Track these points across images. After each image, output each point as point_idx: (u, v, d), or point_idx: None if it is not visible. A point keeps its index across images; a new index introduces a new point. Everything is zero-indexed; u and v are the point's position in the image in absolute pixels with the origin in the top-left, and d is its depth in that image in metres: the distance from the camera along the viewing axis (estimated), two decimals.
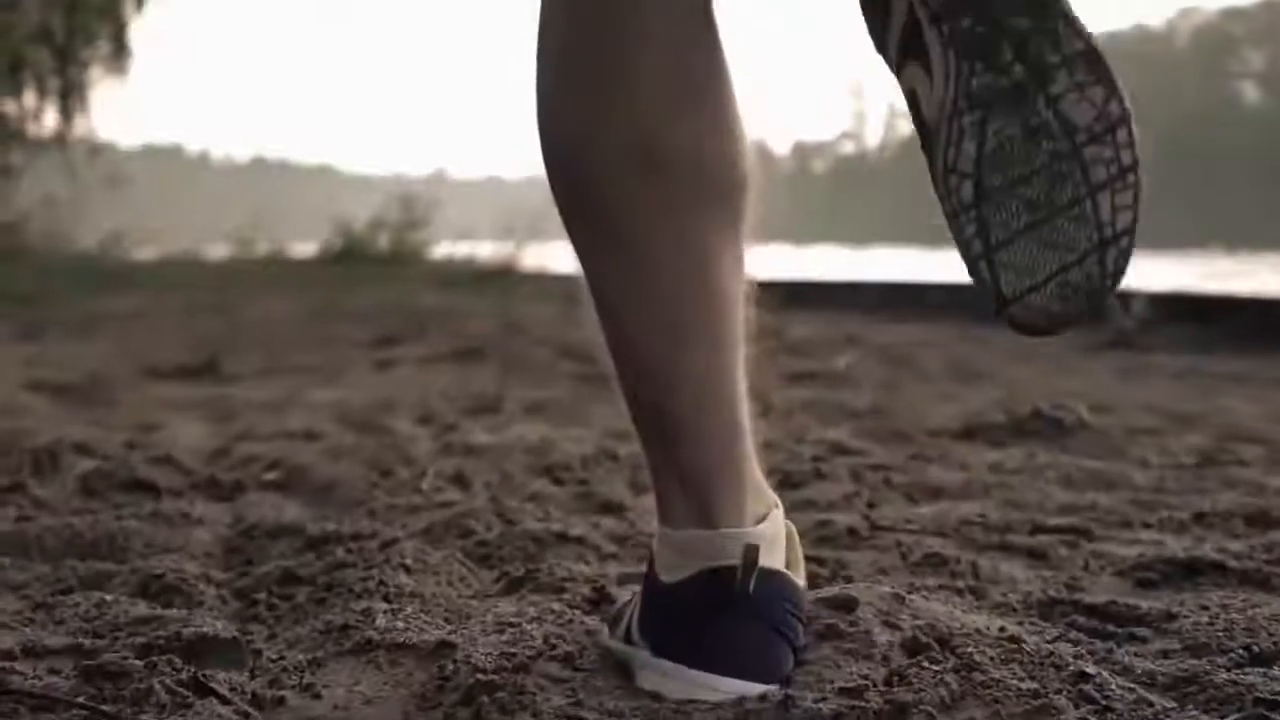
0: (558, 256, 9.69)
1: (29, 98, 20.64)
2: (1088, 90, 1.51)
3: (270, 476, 2.91)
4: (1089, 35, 1.53)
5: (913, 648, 1.62)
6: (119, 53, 21.12)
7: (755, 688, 1.53)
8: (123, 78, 21.84)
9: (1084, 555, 2.26)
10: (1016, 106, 1.51)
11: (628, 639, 1.65)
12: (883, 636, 1.64)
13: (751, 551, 1.56)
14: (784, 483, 2.82)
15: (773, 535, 1.62)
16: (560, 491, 2.73)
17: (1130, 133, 1.52)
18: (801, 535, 1.75)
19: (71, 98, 20.69)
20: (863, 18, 1.61)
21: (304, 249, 19.91)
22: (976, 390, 5.13)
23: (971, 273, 1.54)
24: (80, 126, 21.00)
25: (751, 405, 1.69)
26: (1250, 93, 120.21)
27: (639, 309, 1.60)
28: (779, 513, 1.67)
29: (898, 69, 1.58)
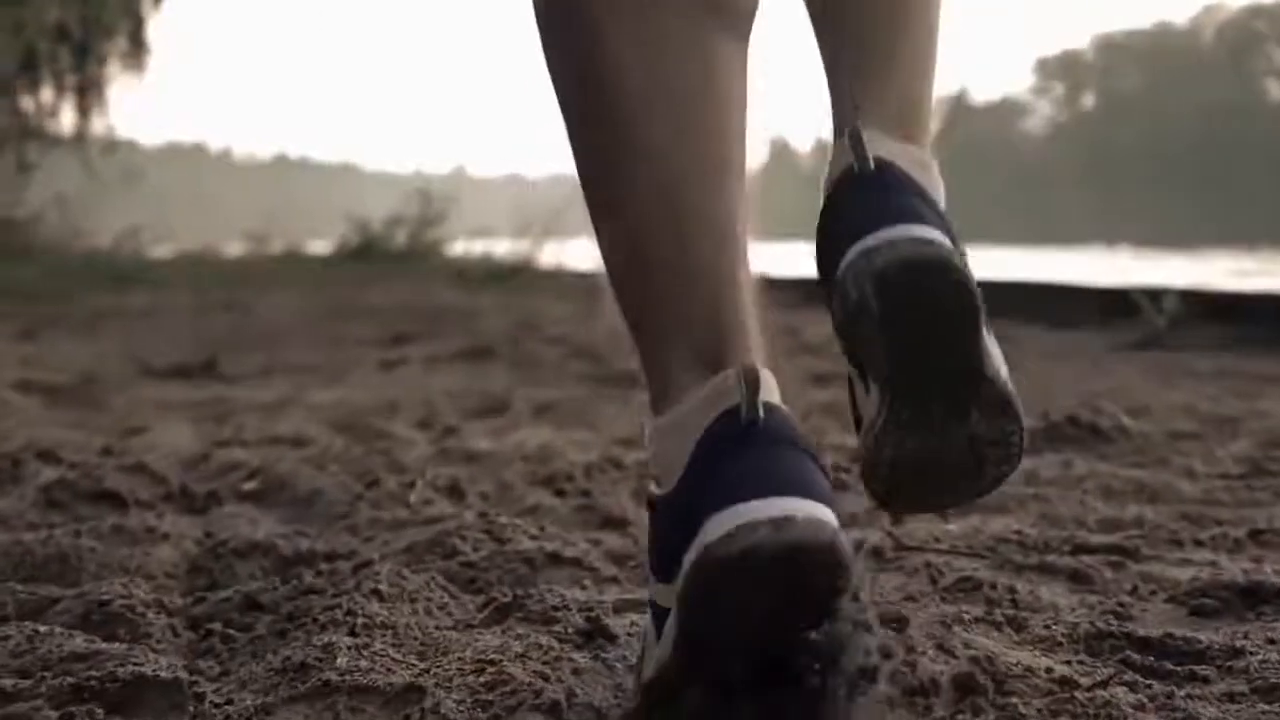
0: (575, 254, 9.56)
1: (46, 94, 20.58)
2: (1002, 423, 1.59)
3: (249, 486, 2.70)
4: (1007, 388, 1.59)
5: (965, 685, 1.43)
6: (137, 49, 21.00)
7: (805, 504, 1.29)
8: (140, 74, 21.75)
9: (1132, 578, 2.04)
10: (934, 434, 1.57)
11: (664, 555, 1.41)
12: (934, 666, 1.45)
13: (751, 373, 1.41)
14: None
15: (772, 382, 1.46)
16: (560, 504, 2.52)
17: (1020, 441, 1.62)
18: None
19: (89, 94, 20.58)
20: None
21: (321, 246, 19.77)
22: None
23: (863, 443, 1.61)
24: (98, 123, 20.93)
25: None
26: (1275, 90, 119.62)
27: (673, 157, 1.49)
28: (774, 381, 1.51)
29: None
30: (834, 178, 1.62)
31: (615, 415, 4.20)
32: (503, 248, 15.91)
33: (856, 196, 1.58)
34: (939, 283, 1.53)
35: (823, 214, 1.63)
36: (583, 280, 11.69)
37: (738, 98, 1.54)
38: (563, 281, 12.23)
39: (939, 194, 1.66)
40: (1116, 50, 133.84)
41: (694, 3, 1.49)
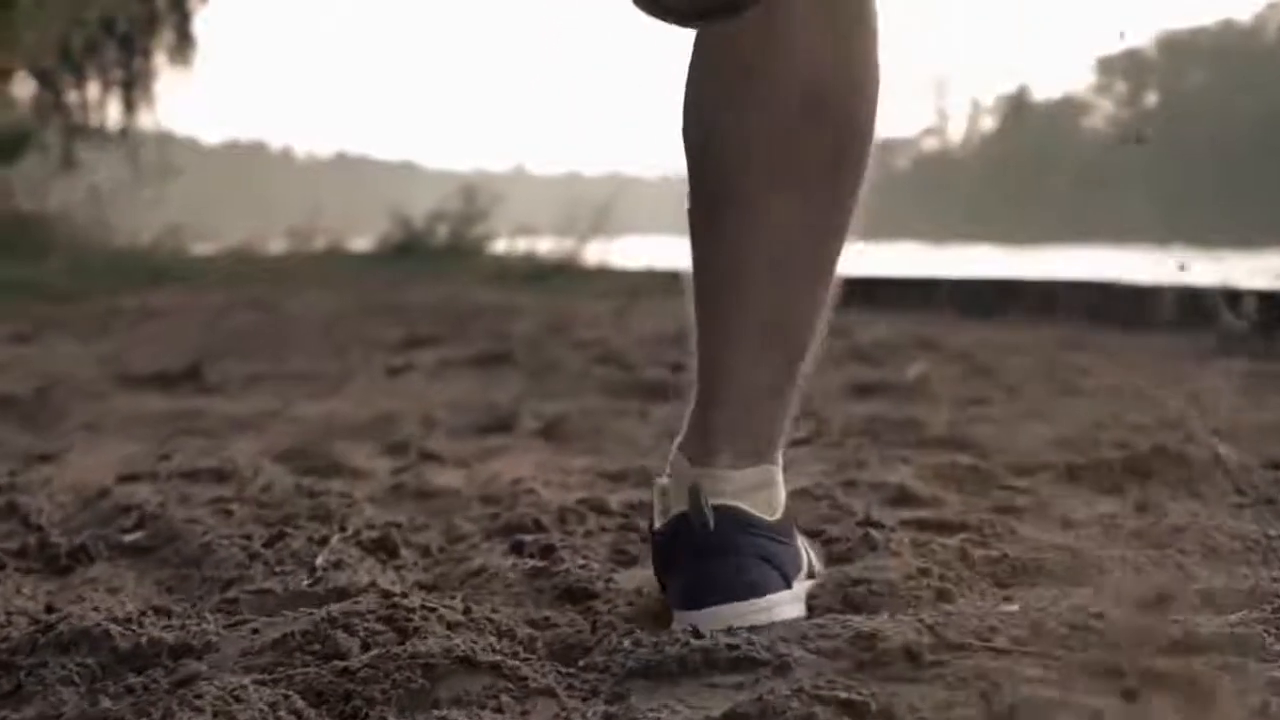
0: (620, 252, 9.05)
1: (93, 89, 20.27)
2: None
3: (131, 538, 2.16)
4: None
5: None
6: (183, 43, 20.69)
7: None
8: (188, 68, 21.48)
9: (1260, 690, 1.49)
10: None
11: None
12: None
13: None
14: (824, 550, 2.08)
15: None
16: (510, 568, 1.95)
17: None
18: (839, 654, 1.56)
19: (135, 89, 20.28)
20: None
21: (365, 243, 19.38)
22: (1073, 407, 4.34)
23: None
24: (145, 118, 20.68)
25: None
26: None
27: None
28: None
29: None
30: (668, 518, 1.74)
31: (627, 433, 3.67)
32: (547, 245, 15.45)
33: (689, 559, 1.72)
34: None
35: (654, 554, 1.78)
36: (624, 279, 11.17)
37: None
38: (605, 280, 11.72)
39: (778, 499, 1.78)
40: (1179, 48, 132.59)
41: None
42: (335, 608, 1.63)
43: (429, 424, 4.07)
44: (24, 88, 18.92)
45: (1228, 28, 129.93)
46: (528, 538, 2.12)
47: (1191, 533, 2.20)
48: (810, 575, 1.83)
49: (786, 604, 1.71)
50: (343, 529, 2.09)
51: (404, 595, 1.66)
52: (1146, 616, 1.72)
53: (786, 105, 1.66)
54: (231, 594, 1.82)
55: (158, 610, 1.76)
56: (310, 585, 1.85)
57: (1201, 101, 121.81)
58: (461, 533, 2.20)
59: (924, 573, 1.83)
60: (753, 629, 1.63)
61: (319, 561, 1.94)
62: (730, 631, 1.61)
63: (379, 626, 1.57)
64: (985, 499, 2.53)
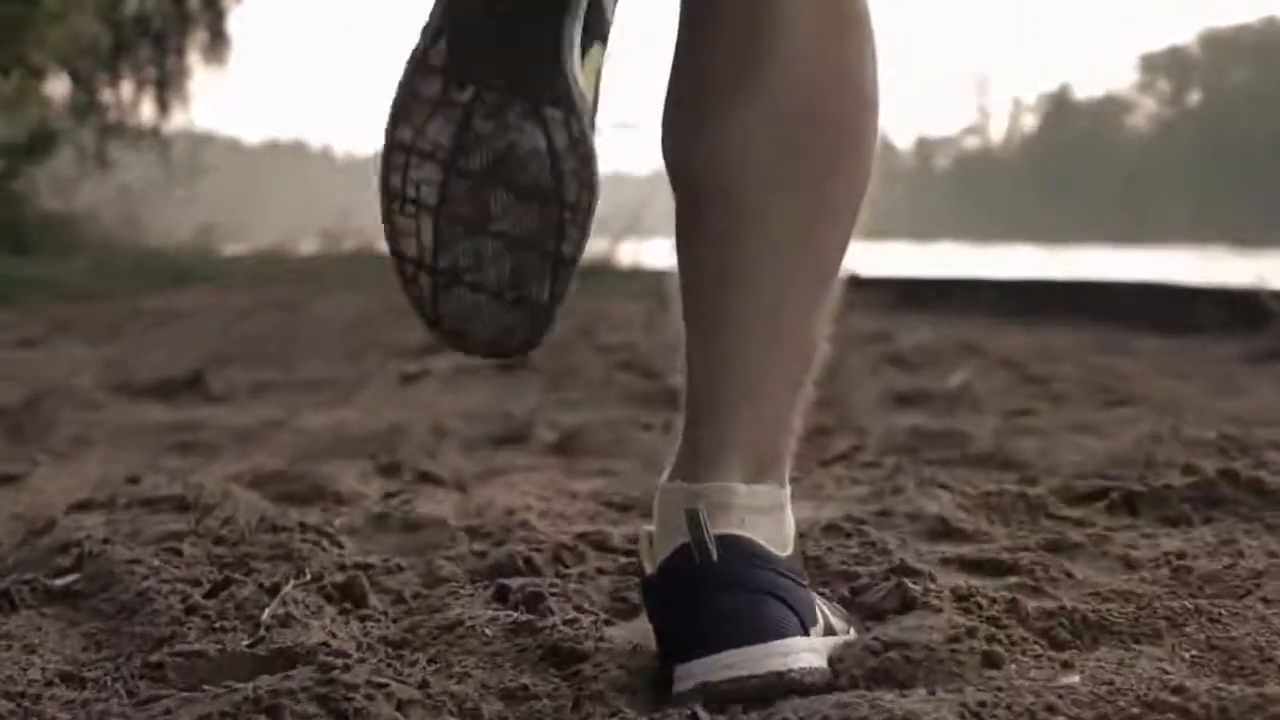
0: (654, 253, 8.81)
1: (126, 88, 20.12)
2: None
3: (64, 582, 1.89)
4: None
5: None
6: (217, 41, 20.56)
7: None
8: (222, 67, 21.37)
9: None
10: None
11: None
12: None
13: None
14: (852, 602, 1.81)
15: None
16: (489, 620, 1.67)
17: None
18: None
19: (168, 88, 20.15)
20: None
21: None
22: (1125, 419, 4.07)
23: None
24: (179, 117, 20.58)
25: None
26: None
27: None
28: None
29: None
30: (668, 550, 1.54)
31: (647, 447, 3.41)
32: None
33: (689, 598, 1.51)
34: None
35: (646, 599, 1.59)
36: (657, 281, 10.89)
37: None
38: (637, 282, 11.43)
39: (788, 532, 1.60)
40: (1223, 45, 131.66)
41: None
42: (265, 684, 1.36)
43: (440, 434, 3.83)
44: (58, 86, 18.77)
45: (1271, 25, 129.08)
46: (515, 582, 1.84)
47: (1273, 577, 1.92)
48: (828, 631, 1.60)
49: (805, 651, 1.48)
50: (300, 574, 1.81)
51: (347, 668, 1.39)
52: (1234, 687, 1.46)
53: (782, 111, 1.59)
54: (158, 657, 1.55)
55: (67, 679, 1.50)
56: (250, 645, 1.58)
57: (1245, 98, 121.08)
58: (442, 574, 1.93)
59: (970, 633, 1.55)
60: (763, 711, 1.38)
61: (265, 616, 1.66)
62: (738, 709, 1.39)
63: (313, 709, 1.30)
64: (1035, 532, 2.25)
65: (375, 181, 1.52)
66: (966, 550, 2.09)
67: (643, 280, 11.55)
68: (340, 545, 2.08)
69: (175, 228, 18.77)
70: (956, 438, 3.56)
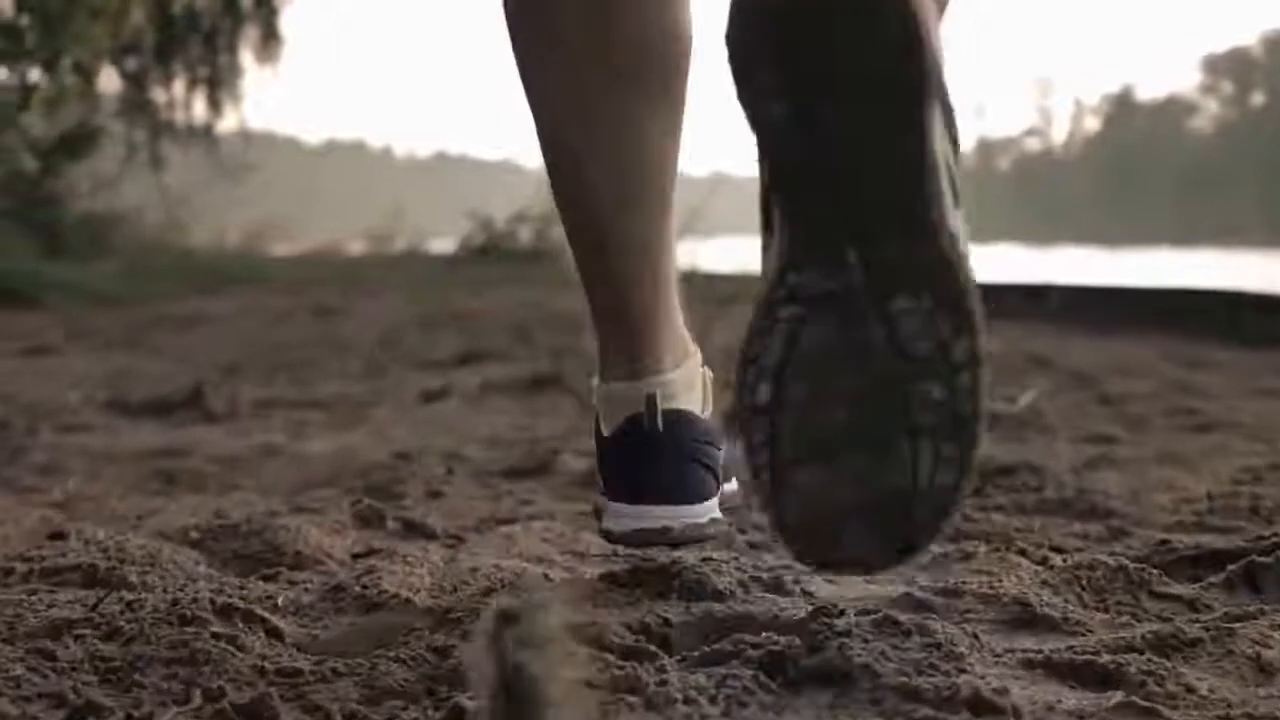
0: (711, 255, 8.39)
1: (178, 86, 19.87)
2: (936, 317, 1.37)
3: None
4: (960, 258, 1.38)
5: None
6: (270, 40, 20.32)
7: (681, 510, 1.80)
8: (274, 66, 21.18)
9: None
10: (843, 315, 1.38)
11: (599, 489, 1.92)
12: None
13: (651, 401, 1.81)
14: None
15: (686, 380, 1.86)
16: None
17: (977, 380, 1.39)
18: None
19: (220, 86, 19.93)
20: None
21: (447, 244, 18.89)
22: (1215, 448, 3.63)
23: (753, 482, 1.45)
24: (232, 117, 20.39)
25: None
26: None
27: (589, 175, 1.81)
28: (695, 360, 1.90)
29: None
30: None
31: None
32: None
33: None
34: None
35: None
36: (714, 284, 10.43)
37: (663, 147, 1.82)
38: (693, 285, 10.99)
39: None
40: None
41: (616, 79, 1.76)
42: None
43: (450, 464, 3.43)
44: (108, 83, 18.53)
45: None
46: (469, 705, 1.42)
47: None
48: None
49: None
50: (186, 699, 1.39)
51: None
52: None
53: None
54: None
55: None
56: None
57: None
58: (387, 684, 1.51)
59: None
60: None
61: None
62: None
63: None
64: (1140, 620, 1.81)
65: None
66: (1055, 647, 1.66)
67: (698, 283, 11.13)
68: (269, 638, 1.66)
69: (225, 229, 18.54)
70: (1029, 473, 3.13)
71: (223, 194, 18.87)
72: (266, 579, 2.00)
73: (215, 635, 1.57)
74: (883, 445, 1.38)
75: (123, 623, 1.62)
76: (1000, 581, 1.90)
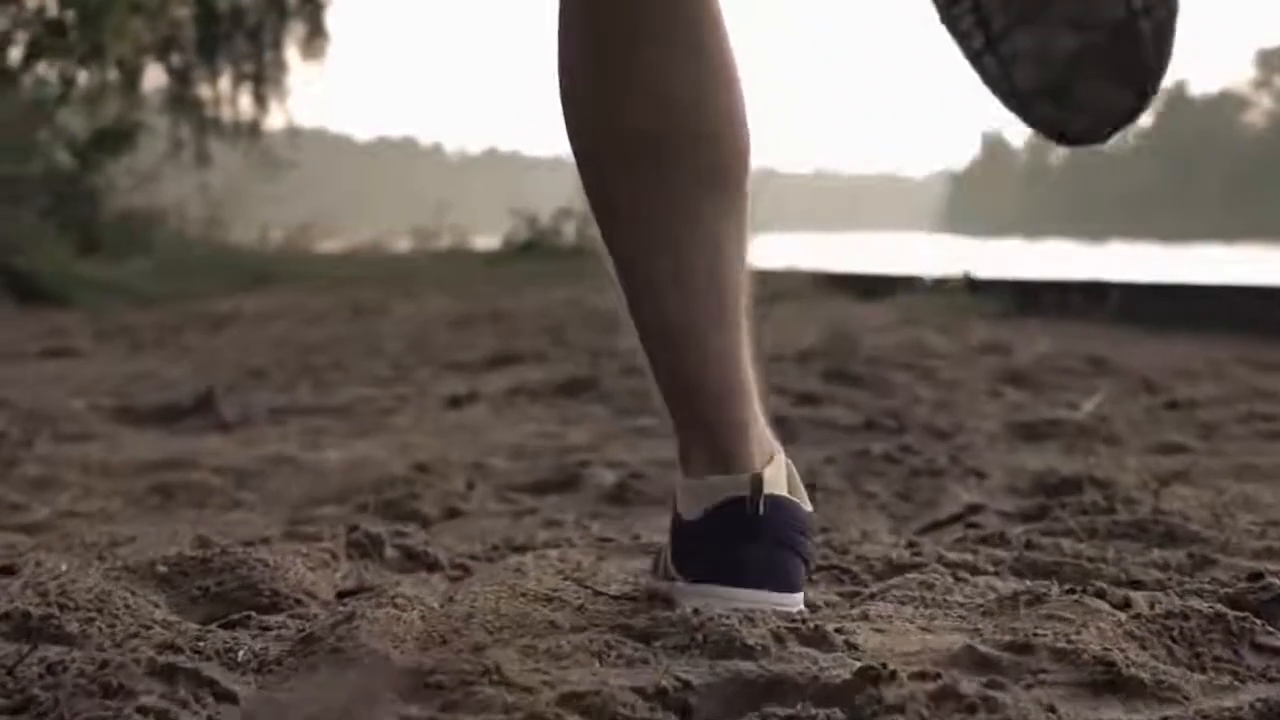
0: (762, 252, 8.11)
1: (224, 83, 19.80)
2: None
3: None
4: None
5: None
6: (315, 36, 20.25)
7: (775, 596, 1.75)
8: (320, 62, 21.17)
9: None
10: None
11: (666, 575, 1.86)
12: None
13: (758, 481, 1.76)
14: None
15: (774, 475, 1.80)
16: None
17: None
18: None
19: (265, 83, 19.87)
20: None
21: (492, 241, 18.74)
22: None
23: (980, 75, 1.45)
24: (278, 114, 20.40)
25: None
26: None
27: (672, 296, 1.78)
28: (781, 457, 1.83)
29: None
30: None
31: None
32: None
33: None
34: None
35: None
36: (763, 280, 10.17)
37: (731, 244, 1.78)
38: None
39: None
40: None
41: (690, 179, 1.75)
42: None
43: (472, 478, 3.19)
44: (152, 79, 18.46)
45: None
46: None
47: None
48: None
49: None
50: None
51: None
52: None
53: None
54: None
55: None
56: None
57: None
58: None
59: None
60: None
61: None
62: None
63: None
64: (1242, 680, 1.54)
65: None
66: (1148, 718, 1.39)
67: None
68: (218, 703, 1.40)
69: (269, 226, 18.43)
70: (1097, 490, 2.85)
71: (267, 191, 18.78)
72: (232, 625, 1.74)
73: (142, 710, 1.31)
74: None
75: (38, 690, 1.37)
76: (1078, 633, 1.62)
